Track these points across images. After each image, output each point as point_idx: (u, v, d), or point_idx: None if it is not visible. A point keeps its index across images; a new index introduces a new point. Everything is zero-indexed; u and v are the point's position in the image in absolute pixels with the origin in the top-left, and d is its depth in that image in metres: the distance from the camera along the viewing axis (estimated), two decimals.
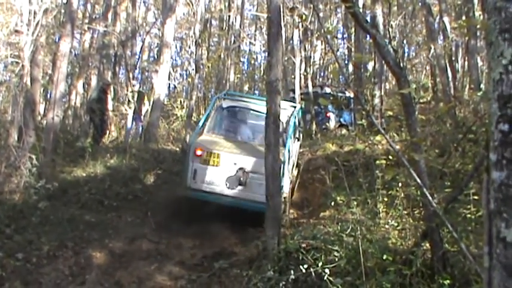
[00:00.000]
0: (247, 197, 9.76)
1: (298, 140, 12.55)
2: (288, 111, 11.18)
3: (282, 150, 8.77)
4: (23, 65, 11.33)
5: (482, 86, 13.17)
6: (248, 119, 11.42)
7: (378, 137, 9.61)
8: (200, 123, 11.07)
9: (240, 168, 9.76)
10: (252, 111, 11.34)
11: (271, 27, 7.75)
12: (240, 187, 9.79)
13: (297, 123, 11.83)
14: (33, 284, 7.03)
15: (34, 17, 11.54)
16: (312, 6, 18.61)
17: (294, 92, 19.66)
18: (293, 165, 11.51)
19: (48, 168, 11.16)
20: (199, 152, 9.97)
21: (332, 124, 20.26)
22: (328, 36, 18.72)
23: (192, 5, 20.53)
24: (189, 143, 10.30)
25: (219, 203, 10.00)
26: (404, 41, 24.86)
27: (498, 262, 2.39)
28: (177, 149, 15.38)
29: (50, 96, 16.22)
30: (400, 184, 7.49)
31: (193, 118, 19.37)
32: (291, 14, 19.82)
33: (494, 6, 2.60)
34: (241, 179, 9.72)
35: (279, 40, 7.91)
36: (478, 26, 11.47)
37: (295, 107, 11.93)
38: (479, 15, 13.48)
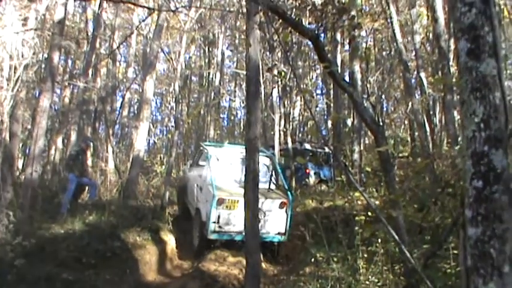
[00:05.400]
0: (264, 230, 11.61)
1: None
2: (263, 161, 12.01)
3: None
4: (2, 120, 11.29)
5: (459, 140, 13.32)
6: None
7: (357, 193, 9.65)
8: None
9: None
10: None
11: (250, 85, 7.85)
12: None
13: (272, 173, 13.19)
14: None
15: (14, 72, 11.56)
16: (290, 63, 18.86)
17: (273, 148, 19.72)
18: None
19: (25, 224, 10.99)
20: (221, 201, 11.70)
21: (312, 180, 20.30)
22: (306, 95, 18.94)
23: (172, 61, 20.74)
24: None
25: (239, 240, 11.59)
26: (383, 96, 25.21)
27: None
28: (156, 205, 15.22)
29: (29, 152, 16.10)
30: (379, 240, 7.49)
31: (172, 175, 19.30)
32: (268, 73, 20.04)
33: (465, 66, 2.69)
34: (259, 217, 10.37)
35: (257, 98, 8.01)
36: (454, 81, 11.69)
37: (270, 157, 13.16)
38: (455, 69, 13.74)
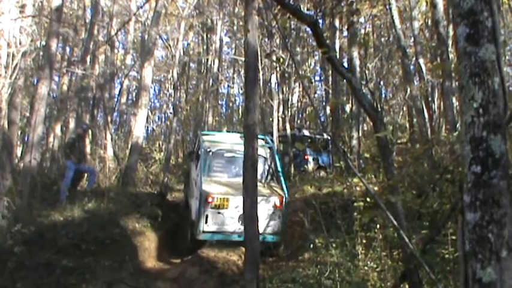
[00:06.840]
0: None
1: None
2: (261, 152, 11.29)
3: None
4: (0, 108, 11.28)
5: (458, 126, 13.31)
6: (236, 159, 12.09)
7: (356, 179, 9.65)
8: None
9: None
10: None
11: (248, 71, 7.81)
12: None
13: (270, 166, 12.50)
14: None
15: (12, 60, 11.54)
16: (289, 49, 18.84)
17: (271, 135, 19.72)
18: None
19: (24, 212, 11.00)
20: (209, 199, 10.93)
21: (310, 166, 20.30)
22: (305, 81, 18.95)
23: (171, 48, 20.69)
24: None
25: (230, 240, 11.04)
26: (381, 83, 25.16)
27: None
28: (155, 192, 15.21)
29: (28, 139, 16.10)
30: (378, 226, 7.51)
31: (171, 161, 19.27)
32: (267, 59, 20.01)
33: (464, 51, 2.68)
34: None
35: (256, 84, 7.97)
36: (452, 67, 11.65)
37: (270, 148, 12.66)
38: (454, 55, 13.69)
